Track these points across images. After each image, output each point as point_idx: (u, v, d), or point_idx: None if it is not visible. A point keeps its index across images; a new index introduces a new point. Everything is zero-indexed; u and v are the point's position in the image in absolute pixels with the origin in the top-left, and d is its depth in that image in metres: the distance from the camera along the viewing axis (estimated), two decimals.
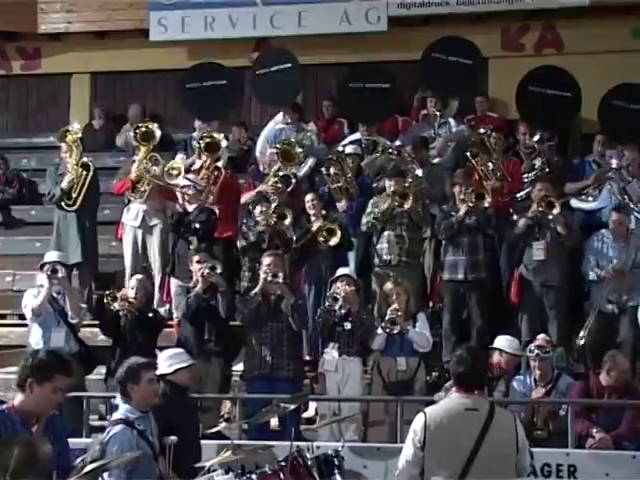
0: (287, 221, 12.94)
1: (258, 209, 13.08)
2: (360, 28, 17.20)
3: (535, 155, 14.24)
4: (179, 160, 14.73)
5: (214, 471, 8.65)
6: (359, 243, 13.51)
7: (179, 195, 13.70)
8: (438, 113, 15.05)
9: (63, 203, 13.94)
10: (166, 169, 13.78)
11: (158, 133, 14.27)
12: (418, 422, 6.91)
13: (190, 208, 13.45)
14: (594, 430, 10.64)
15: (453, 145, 14.68)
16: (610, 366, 10.92)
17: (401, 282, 12.23)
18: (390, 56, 16.53)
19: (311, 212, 13.20)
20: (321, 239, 12.85)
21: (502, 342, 11.40)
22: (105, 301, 12.29)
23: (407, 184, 13.19)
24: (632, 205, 12.77)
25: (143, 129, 14.31)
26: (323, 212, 13.14)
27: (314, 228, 12.99)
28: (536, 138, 14.45)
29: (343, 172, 13.89)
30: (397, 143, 14.61)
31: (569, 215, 13.05)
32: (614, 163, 13.48)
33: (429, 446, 6.80)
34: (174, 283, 13.38)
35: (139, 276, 12.94)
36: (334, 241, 12.85)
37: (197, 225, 13.23)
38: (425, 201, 13.41)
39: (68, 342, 12.21)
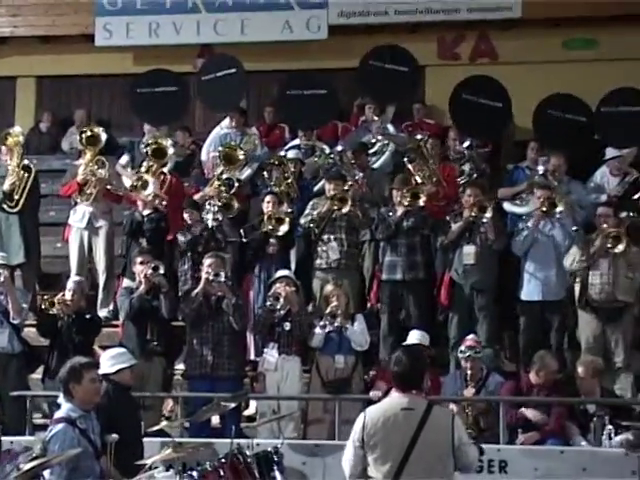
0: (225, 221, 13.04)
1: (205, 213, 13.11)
2: (301, 36, 17.29)
3: (464, 161, 14.34)
4: (124, 161, 14.91)
5: (155, 468, 8.62)
6: (299, 245, 13.51)
7: (139, 201, 13.56)
8: (376, 118, 15.06)
9: (5, 205, 13.82)
10: (134, 182, 13.69)
11: (104, 137, 14.17)
12: (358, 422, 6.94)
13: (144, 212, 13.38)
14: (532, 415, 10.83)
15: (391, 150, 14.59)
16: (539, 366, 11.06)
17: (340, 284, 12.31)
18: (331, 63, 16.59)
19: (267, 210, 13.12)
20: (269, 227, 12.84)
21: (416, 336, 11.48)
22: (43, 306, 12.25)
23: (346, 188, 13.21)
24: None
25: (89, 133, 14.18)
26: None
27: (265, 217, 12.99)
28: (465, 144, 14.52)
29: (285, 176, 13.93)
30: (338, 148, 14.56)
31: (500, 220, 13.08)
32: (540, 169, 13.57)
33: (367, 445, 6.81)
34: (126, 284, 13.25)
35: (76, 278, 12.84)
36: (283, 229, 12.90)
37: (149, 228, 13.24)
38: (364, 205, 13.37)
39: (11, 342, 12.18)
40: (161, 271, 12.10)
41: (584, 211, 13.23)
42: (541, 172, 13.51)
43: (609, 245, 12.07)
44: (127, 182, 14.16)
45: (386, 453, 6.77)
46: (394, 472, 6.71)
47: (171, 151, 14.15)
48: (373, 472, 6.85)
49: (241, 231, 13.22)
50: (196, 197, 13.74)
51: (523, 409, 10.83)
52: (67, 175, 14.35)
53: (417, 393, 6.99)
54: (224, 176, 13.69)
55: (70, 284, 12.43)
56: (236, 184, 13.72)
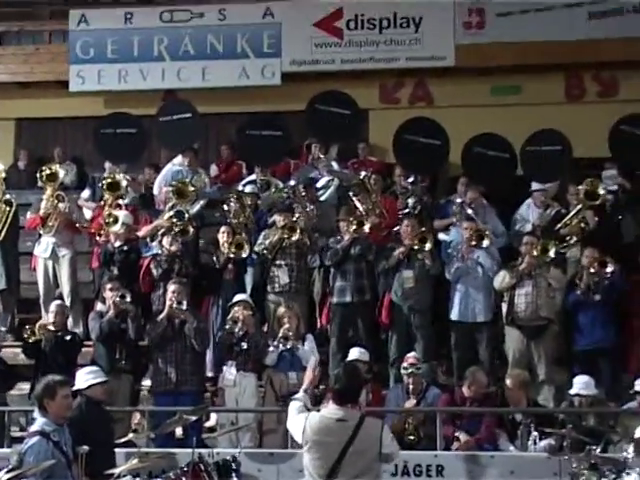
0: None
1: (166, 241, 13.04)
2: (257, 82, 17.29)
3: (409, 195, 14.33)
4: (86, 195, 14.92)
5: (124, 477, 8.57)
6: (254, 271, 13.48)
7: (111, 234, 13.47)
8: (322, 157, 15.09)
9: None
10: (106, 219, 13.61)
11: (61, 174, 14.12)
12: (300, 423, 7.22)
13: (116, 244, 13.31)
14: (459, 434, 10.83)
15: (336, 185, 14.63)
16: (470, 381, 11.13)
17: (292, 306, 12.26)
18: (284, 107, 16.58)
19: (222, 241, 13.10)
20: (232, 254, 12.85)
21: (356, 353, 11.52)
22: (25, 336, 12.18)
23: (294, 219, 13.24)
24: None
25: (48, 171, 14.04)
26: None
27: (225, 246, 12.97)
28: (410, 180, 14.58)
29: (243, 209, 13.90)
30: (292, 183, 14.61)
31: (435, 247, 13.05)
32: (458, 201, 13.67)
33: (305, 444, 7.11)
34: (99, 307, 13.12)
35: (58, 302, 12.84)
36: (245, 253, 12.95)
37: (119, 259, 13.18)
38: (313, 233, 13.39)
39: None
40: (127, 299, 12.08)
41: (501, 239, 13.32)
42: (459, 202, 13.62)
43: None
44: (88, 214, 14.25)
45: (321, 457, 7.01)
46: (328, 473, 6.95)
47: (124, 184, 14.08)
48: (310, 469, 7.14)
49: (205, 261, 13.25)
50: (149, 227, 13.71)
51: (457, 433, 10.86)
52: (31, 209, 14.25)
53: (352, 406, 7.19)
54: (175, 209, 13.60)
55: (53, 307, 12.45)
56: (186, 216, 13.66)
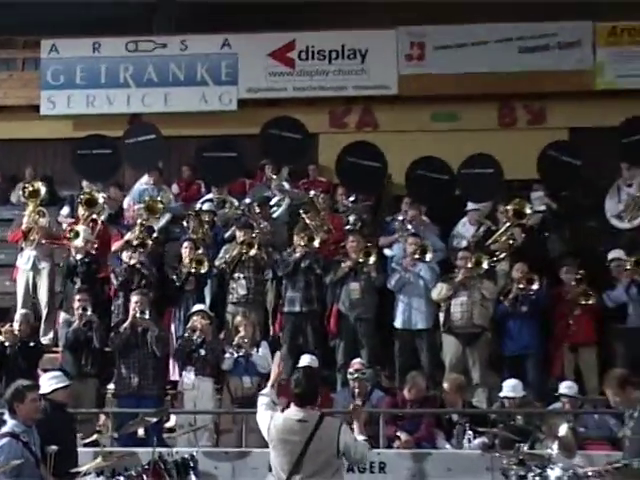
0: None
1: (125, 254, 13.02)
2: (215, 107, 17.25)
3: (350, 212, 14.39)
4: (65, 212, 14.77)
5: (89, 474, 8.54)
6: (213, 283, 13.46)
7: (72, 248, 13.46)
8: (274, 177, 15.08)
9: None
10: (68, 232, 13.61)
11: (43, 191, 14.10)
12: (265, 421, 7.44)
13: (77, 257, 13.28)
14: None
15: (287, 203, 14.66)
16: (411, 385, 11.20)
17: (248, 315, 12.29)
18: (240, 131, 16.49)
19: (185, 255, 13.08)
20: (192, 270, 12.83)
21: (307, 360, 11.48)
22: None
23: (253, 234, 13.22)
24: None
25: (30, 188, 14.09)
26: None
27: (186, 260, 12.95)
28: (351, 199, 14.66)
29: (201, 225, 13.89)
30: (247, 201, 14.62)
31: (380, 261, 13.11)
32: (400, 218, 13.74)
33: (271, 444, 7.32)
34: (62, 316, 13.24)
35: (23, 311, 12.81)
36: (204, 269, 12.93)
37: (82, 271, 13.15)
38: (268, 248, 13.37)
39: None
40: (88, 312, 12.11)
41: (439, 253, 13.35)
42: (400, 220, 13.69)
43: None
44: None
45: (285, 454, 7.17)
46: (291, 469, 7.12)
47: (101, 201, 14.12)
48: (275, 467, 7.31)
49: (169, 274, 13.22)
50: (120, 242, 13.62)
51: (399, 432, 10.87)
52: (14, 224, 14.30)
53: (311, 408, 7.32)
54: (145, 224, 13.63)
55: (17, 316, 12.42)
56: (155, 232, 13.68)
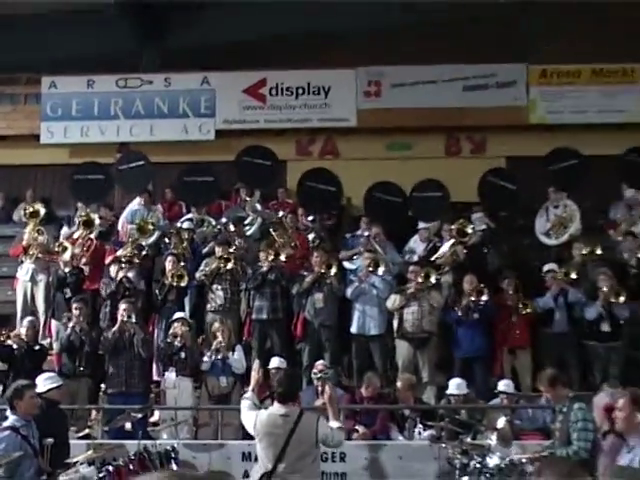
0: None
1: (113, 269, 12.99)
2: (195, 137, 17.23)
3: (310, 230, 14.40)
4: (64, 232, 14.62)
5: (81, 464, 8.50)
6: (193, 293, 13.42)
7: (60, 261, 13.46)
8: (248, 199, 15.05)
9: None
10: (57, 247, 13.61)
11: (42, 212, 14.10)
12: (251, 417, 7.63)
13: (66, 269, 13.29)
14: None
15: (259, 222, 14.63)
16: (367, 384, 11.24)
17: (225, 322, 12.25)
18: (217, 158, 16.47)
19: (168, 269, 13.01)
20: (175, 282, 12.78)
21: (276, 362, 11.56)
22: (2, 339, 12.08)
23: (230, 250, 13.19)
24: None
25: (30, 209, 14.11)
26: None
27: (169, 274, 12.88)
28: (310, 218, 14.68)
29: (181, 242, 13.84)
30: (223, 220, 14.54)
31: (340, 273, 13.12)
32: (365, 234, 13.69)
33: (257, 437, 7.54)
34: (54, 323, 13.21)
35: (30, 318, 12.80)
36: (184, 282, 12.86)
37: (71, 281, 13.19)
38: (242, 263, 13.34)
39: None
40: (70, 324, 12.10)
41: (396, 267, 13.38)
42: (366, 236, 13.64)
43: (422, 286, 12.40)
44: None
45: (270, 445, 7.39)
46: (275, 458, 7.33)
47: (97, 222, 14.11)
48: (262, 457, 7.50)
49: (154, 287, 13.20)
50: (113, 257, 13.55)
51: (357, 426, 10.87)
52: (15, 240, 14.26)
53: (292, 404, 7.60)
54: (136, 243, 13.60)
55: (25, 322, 12.45)
56: (146, 248, 13.61)
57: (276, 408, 7.55)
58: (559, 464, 6.84)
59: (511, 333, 12.50)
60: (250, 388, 8.03)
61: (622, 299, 12.21)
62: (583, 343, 12.47)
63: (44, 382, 9.34)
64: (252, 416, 7.59)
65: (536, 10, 17.11)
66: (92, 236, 13.94)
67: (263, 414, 7.57)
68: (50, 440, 8.28)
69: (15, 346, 11.94)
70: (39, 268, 13.74)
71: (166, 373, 11.82)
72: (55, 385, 9.36)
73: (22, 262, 13.88)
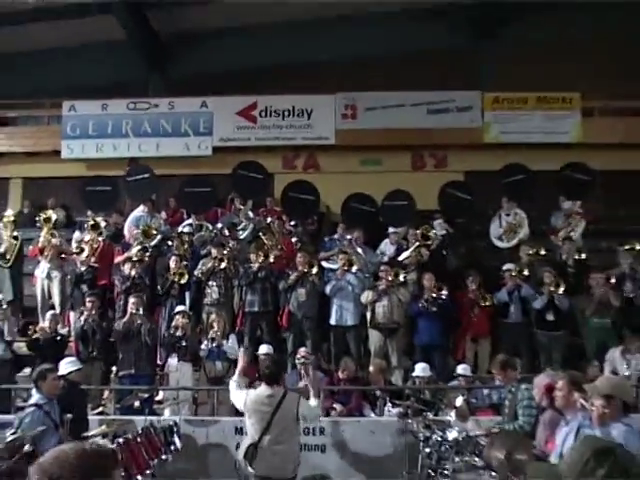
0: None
1: (127, 267, 12.96)
2: (195, 153, 17.27)
3: (293, 234, 14.38)
4: (76, 235, 14.55)
5: (96, 437, 8.45)
6: (192, 289, 13.33)
7: (77, 259, 13.48)
8: (242, 207, 15.02)
9: (1, 262, 13.69)
10: (75, 248, 13.67)
11: (54, 217, 14.10)
12: (242, 396, 7.82)
13: (82, 268, 13.30)
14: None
15: (251, 227, 14.60)
16: (343, 367, 11.26)
17: (220, 314, 12.25)
18: (214, 171, 16.43)
19: (172, 266, 13.00)
20: (177, 279, 12.79)
21: (265, 348, 11.54)
22: (29, 333, 12.12)
23: (224, 252, 13.17)
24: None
25: (44, 215, 14.06)
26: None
27: (172, 272, 12.88)
28: (292, 223, 14.64)
29: (182, 244, 13.80)
30: (219, 226, 14.52)
31: (321, 271, 13.14)
32: (347, 237, 13.65)
33: (246, 413, 7.74)
34: (72, 315, 13.14)
35: (52, 312, 12.78)
36: (184, 280, 12.85)
37: (87, 278, 13.22)
38: (235, 262, 13.34)
39: (5, 351, 12.03)
40: (93, 312, 12.13)
41: (373, 266, 13.39)
42: (349, 239, 13.60)
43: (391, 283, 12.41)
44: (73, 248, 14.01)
45: (257, 421, 7.57)
46: (261, 431, 7.54)
47: (103, 225, 14.05)
48: (250, 430, 7.66)
49: (158, 284, 13.12)
50: (122, 257, 13.51)
51: (334, 404, 10.88)
52: (33, 242, 14.16)
53: (277, 385, 7.78)
54: (142, 245, 13.55)
55: (48, 316, 12.43)
56: (149, 250, 13.57)
57: (263, 389, 7.69)
58: (507, 437, 6.91)
59: (473, 324, 12.54)
60: (237, 372, 8.17)
61: (562, 289, 12.28)
62: (532, 332, 12.56)
63: (66, 365, 9.36)
64: (242, 395, 7.75)
65: (490, 46, 17.31)
66: (100, 238, 13.88)
67: (252, 393, 7.72)
68: (69, 416, 8.27)
69: (41, 336, 11.95)
70: (54, 266, 13.68)
71: (169, 359, 11.79)
72: (75, 368, 9.35)
73: (39, 262, 13.84)
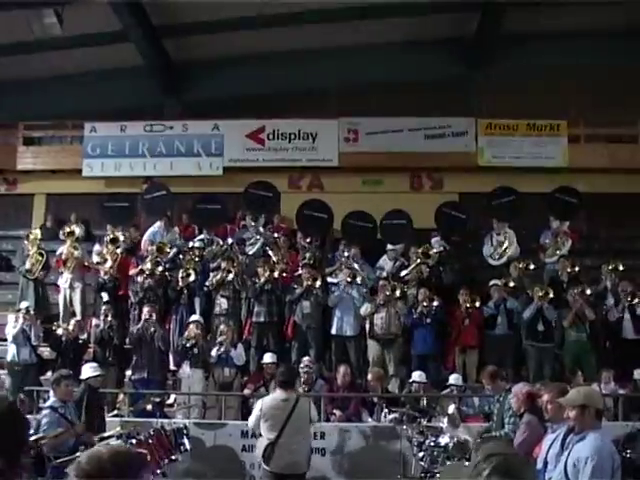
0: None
1: (140, 279, 13.02)
2: (207, 172, 17.16)
3: (307, 251, 14.30)
4: (96, 248, 14.54)
5: (110, 437, 8.50)
6: (201, 299, 13.36)
7: (102, 271, 13.65)
8: (252, 223, 14.98)
9: (28, 275, 13.93)
10: (99, 259, 13.81)
11: (77, 231, 14.37)
12: (258, 404, 8.06)
13: (105, 277, 13.50)
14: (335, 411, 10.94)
15: (260, 243, 14.55)
16: (342, 373, 11.33)
17: (228, 324, 12.30)
18: (224, 190, 16.31)
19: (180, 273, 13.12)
20: (184, 275, 12.92)
21: (269, 357, 11.67)
22: (53, 328, 12.39)
23: (233, 265, 13.18)
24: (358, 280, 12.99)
25: (67, 229, 14.31)
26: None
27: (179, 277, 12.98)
28: (307, 240, 14.59)
29: (193, 257, 13.80)
30: (229, 241, 14.48)
31: (324, 286, 13.13)
32: (346, 254, 13.65)
33: (262, 417, 7.88)
34: (94, 321, 13.13)
35: (77, 318, 12.98)
36: (192, 278, 12.94)
37: (109, 287, 13.44)
38: (243, 276, 13.34)
39: (30, 356, 12.24)
40: (109, 318, 12.23)
41: (371, 281, 13.40)
42: (347, 255, 13.60)
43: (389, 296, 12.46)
44: (96, 260, 14.08)
45: (273, 424, 7.74)
46: (276, 435, 7.73)
47: (122, 238, 14.19)
48: (265, 433, 7.82)
49: (170, 294, 13.21)
50: (137, 270, 13.52)
51: (334, 410, 10.89)
52: (57, 254, 14.27)
53: (291, 390, 8.03)
54: (155, 259, 13.59)
55: (72, 322, 12.59)
56: (163, 263, 13.62)
57: (278, 393, 7.92)
58: (494, 442, 6.97)
59: (463, 335, 12.56)
60: None
61: (550, 295, 12.35)
62: (521, 345, 12.57)
63: (87, 370, 9.52)
64: (258, 405, 8.04)
65: (483, 77, 17.43)
66: (118, 251, 13.96)
67: (268, 399, 8.02)
68: (81, 423, 8.44)
69: (64, 337, 12.11)
70: (76, 277, 13.84)
71: (182, 365, 11.85)
72: (95, 374, 9.47)
73: (62, 273, 13.96)
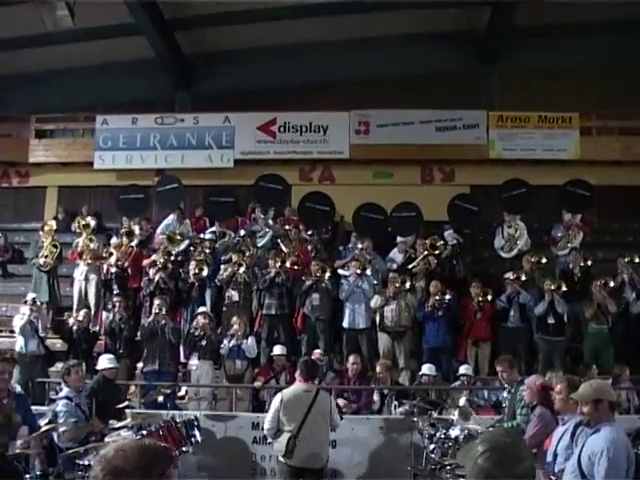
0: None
1: (152, 271, 13.01)
2: (218, 165, 17.13)
3: (309, 242, 14.26)
4: (113, 241, 14.55)
5: (122, 429, 8.50)
6: (212, 292, 13.39)
7: (107, 264, 13.64)
8: (262, 216, 14.99)
9: (41, 267, 13.90)
10: (105, 253, 13.84)
11: (92, 223, 14.34)
12: (278, 397, 7.99)
13: (112, 270, 13.48)
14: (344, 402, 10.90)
15: (270, 235, 14.57)
16: (352, 362, 11.35)
17: (240, 316, 12.23)
18: (235, 182, 16.35)
19: (192, 268, 13.09)
20: (197, 270, 12.92)
21: (278, 349, 11.68)
22: (64, 318, 12.51)
23: (244, 257, 13.17)
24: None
25: (83, 222, 14.28)
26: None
27: (191, 272, 12.96)
28: (309, 233, 14.53)
29: (203, 250, 13.79)
30: (242, 233, 14.48)
31: (334, 278, 13.10)
32: (359, 246, 13.66)
33: (282, 410, 7.80)
34: (105, 314, 13.24)
35: (86, 310, 12.95)
36: (204, 273, 12.92)
37: (117, 280, 13.42)
38: (254, 268, 13.34)
39: (39, 347, 12.10)
40: (121, 310, 12.29)
41: (382, 273, 13.36)
42: (360, 247, 13.57)
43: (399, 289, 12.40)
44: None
45: (293, 416, 7.70)
46: (298, 426, 7.68)
47: (137, 232, 14.22)
48: (285, 426, 7.70)
49: (181, 286, 13.16)
50: (149, 260, 13.56)
51: (339, 400, 10.81)
52: (73, 247, 14.26)
53: (312, 383, 8.02)
54: (166, 250, 13.66)
55: (82, 312, 12.61)
56: (173, 254, 13.64)
57: (299, 385, 7.90)
58: (495, 430, 6.93)
59: (475, 328, 12.51)
60: None
61: (563, 289, 12.27)
62: (533, 337, 12.51)
63: (103, 362, 9.56)
64: (277, 398, 7.94)
65: (495, 69, 17.32)
66: (133, 244, 13.98)
67: (289, 390, 7.98)
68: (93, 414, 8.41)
69: (75, 328, 12.15)
70: (91, 269, 13.81)
71: (192, 357, 11.87)
72: (110, 366, 9.53)
73: (77, 265, 13.95)
